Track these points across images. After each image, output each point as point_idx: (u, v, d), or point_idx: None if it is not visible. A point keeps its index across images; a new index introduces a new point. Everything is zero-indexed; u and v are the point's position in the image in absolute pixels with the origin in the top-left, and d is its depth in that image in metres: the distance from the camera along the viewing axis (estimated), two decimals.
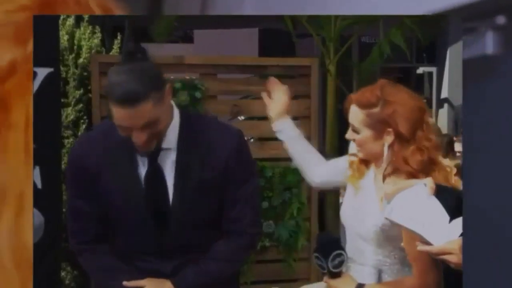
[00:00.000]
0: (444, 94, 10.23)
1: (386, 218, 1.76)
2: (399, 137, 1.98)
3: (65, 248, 3.81)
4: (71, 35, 4.24)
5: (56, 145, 3.13)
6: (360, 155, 2.09)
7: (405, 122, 1.96)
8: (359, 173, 2.11)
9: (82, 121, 4.11)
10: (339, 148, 4.69)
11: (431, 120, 2.08)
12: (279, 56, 4.16)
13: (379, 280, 2.03)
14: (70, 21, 4.28)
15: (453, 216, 1.66)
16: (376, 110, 1.98)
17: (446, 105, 10.11)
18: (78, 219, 2.05)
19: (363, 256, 2.05)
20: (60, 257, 3.26)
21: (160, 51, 4.63)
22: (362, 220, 2.03)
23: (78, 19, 4.35)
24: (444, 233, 1.63)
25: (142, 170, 1.97)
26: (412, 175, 1.94)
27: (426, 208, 1.67)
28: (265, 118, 4.07)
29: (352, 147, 2.18)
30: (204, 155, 1.99)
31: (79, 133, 4.09)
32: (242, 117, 3.95)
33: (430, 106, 10.53)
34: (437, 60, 10.43)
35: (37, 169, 2.86)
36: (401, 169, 1.96)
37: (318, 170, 2.36)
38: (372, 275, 2.03)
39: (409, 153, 1.96)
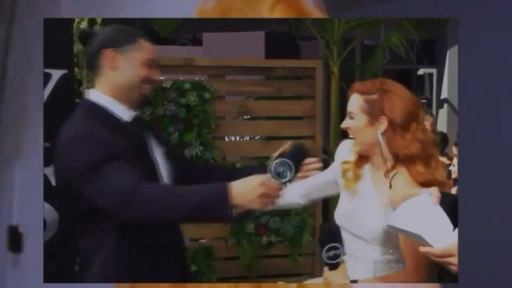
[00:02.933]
0: (444, 94, 10.20)
1: (389, 226, 1.75)
2: (392, 125, 1.99)
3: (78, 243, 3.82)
4: None
5: None
6: (356, 147, 2.07)
7: (399, 111, 1.98)
8: (355, 177, 2.09)
9: None
10: None
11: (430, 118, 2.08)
12: (285, 58, 4.14)
13: (375, 274, 2.01)
14: (84, 24, 4.27)
15: (456, 224, 1.64)
16: (374, 96, 2.01)
17: (445, 105, 10.08)
18: (120, 175, 1.90)
19: (361, 252, 2.04)
20: (73, 253, 3.24)
21: (170, 53, 4.62)
22: (362, 222, 2.01)
23: (92, 22, 4.34)
24: (447, 242, 1.61)
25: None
26: (412, 161, 1.93)
27: (430, 216, 1.65)
28: (270, 118, 4.10)
29: (340, 155, 2.17)
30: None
31: None
32: (248, 116, 3.94)
33: (430, 106, 10.49)
34: (437, 61, 10.39)
35: (51, 167, 2.84)
36: (400, 153, 1.96)
37: (298, 191, 2.34)
38: (369, 269, 2.01)
39: (406, 141, 1.96)
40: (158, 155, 2.12)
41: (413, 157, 1.96)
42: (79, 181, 1.90)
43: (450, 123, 9.51)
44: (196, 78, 3.76)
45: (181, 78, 3.68)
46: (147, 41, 2.10)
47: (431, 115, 8.39)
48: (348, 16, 4.44)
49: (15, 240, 2.40)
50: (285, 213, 3.78)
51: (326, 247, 1.95)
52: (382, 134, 2.00)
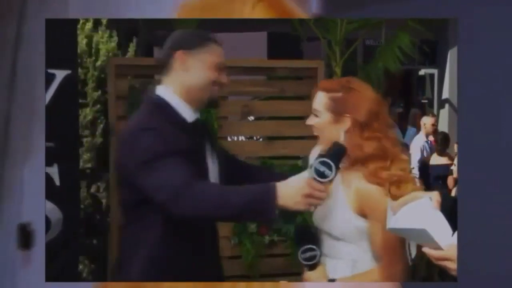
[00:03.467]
0: (445, 95, 10.19)
1: (391, 229, 1.75)
2: (355, 124, 1.98)
3: (82, 242, 3.83)
4: (90, 39, 4.24)
5: (74, 144, 3.12)
6: (319, 144, 2.08)
7: (363, 110, 1.98)
8: None
9: (99, 121, 4.11)
10: None
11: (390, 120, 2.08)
12: (287, 59, 4.14)
13: (353, 273, 2.02)
14: (89, 25, 4.28)
15: (456, 228, 1.65)
16: (339, 94, 2.01)
17: (447, 105, 10.07)
18: (176, 171, 1.92)
19: (338, 252, 2.03)
20: (78, 251, 3.25)
21: None
22: (335, 221, 2.00)
23: (96, 24, 4.34)
24: (446, 245, 1.62)
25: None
26: (365, 162, 1.94)
27: (430, 220, 1.65)
28: (273, 118, 4.10)
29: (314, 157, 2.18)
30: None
31: (97, 133, 4.10)
32: (252, 117, 3.93)
33: (432, 107, 10.49)
34: (438, 62, 10.38)
35: (55, 166, 2.85)
36: (354, 155, 1.96)
37: None
38: (348, 268, 2.01)
39: (363, 139, 1.97)
40: (209, 157, 2.15)
41: (368, 157, 1.95)
42: (138, 170, 1.94)
43: (451, 123, 9.49)
44: None
45: None
46: (218, 45, 2.14)
47: (433, 115, 8.38)
48: (348, 17, 4.43)
49: (25, 238, 2.42)
50: (286, 213, 3.78)
51: (302, 248, 1.96)
52: (345, 132, 2.00)
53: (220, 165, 2.19)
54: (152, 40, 5.75)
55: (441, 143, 6.83)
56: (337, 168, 1.82)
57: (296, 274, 3.75)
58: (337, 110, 2.00)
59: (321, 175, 1.81)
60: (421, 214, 1.68)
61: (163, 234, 2.02)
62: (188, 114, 2.09)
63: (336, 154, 1.85)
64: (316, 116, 2.05)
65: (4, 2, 2.42)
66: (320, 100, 2.04)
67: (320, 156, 1.84)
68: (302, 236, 2.03)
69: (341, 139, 1.98)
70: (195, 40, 2.09)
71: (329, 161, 1.81)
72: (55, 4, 2.38)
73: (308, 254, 1.97)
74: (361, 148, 1.96)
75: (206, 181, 1.97)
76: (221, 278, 2.26)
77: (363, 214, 1.95)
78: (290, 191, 1.83)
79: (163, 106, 2.07)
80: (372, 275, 1.98)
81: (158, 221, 1.99)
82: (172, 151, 1.93)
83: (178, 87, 2.08)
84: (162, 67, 2.11)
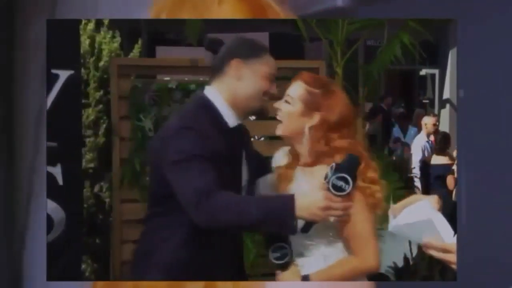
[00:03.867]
0: (446, 95, 10.20)
1: (393, 231, 1.75)
2: (324, 123, 2.01)
3: (85, 241, 3.83)
4: (92, 39, 4.24)
5: (77, 144, 3.12)
6: (280, 130, 2.10)
7: (337, 112, 2.01)
8: (288, 179, 2.10)
9: (102, 120, 4.11)
10: None
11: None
12: (289, 59, 4.14)
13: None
14: (91, 26, 4.28)
15: (456, 230, 1.65)
16: (317, 91, 2.04)
17: (448, 106, 10.07)
18: (202, 177, 1.95)
19: (308, 250, 2.04)
20: (80, 251, 3.25)
21: (176, 54, 4.61)
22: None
23: (98, 24, 4.35)
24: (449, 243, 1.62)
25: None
26: (332, 156, 1.95)
27: (431, 221, 1.65)
28: (275, 118, 4.09)
29: (276, 160, 2.18)
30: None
31: (100, 133, 4.10)
32: (253, 117, 3.93)
33: (433, 107, 10.49)
34: (439, 62, 10.38)
35: (59, 166, 2.85)
36: (319, 149, 1.99)
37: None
38: (319, 265, 2.01)
39: (331, 141, 2.00)
40: (244, 161, 2.18)
41: (336, 151, 1.97)
42: (169, 167, 1.98)
43: (452, 123, 9.49)
44: (201, 79, 3.76)
45: (186, 79, 3.67)
46: (271, 56, 2.17)
47: (434, 115, 8.38)
48: (352, 17, 4.43)
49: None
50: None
51: (272, 247, 1.96)
52: (309, 127, 2.02)
53: (251, 167, 2.21)
54: (154, 40, 5.74)
55: (439, 142, 6.83)
56: (354, 180, 1.83)
57: None
58: (310, 105, 2.03)
59: (339, 189, 1.83)
60: (422, 214, 1.68)
61: (187, 231, 2.03)
62: (232, 119, 2.11)
63: (351, 166, 1.86)
64: (287, 102, 2.07)
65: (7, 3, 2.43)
66: (297, 89, 2.07)
67: (336, 170, 1.83)
68: (270, 237, 2.04)
69: (305, 132, 2.02)
70: (252, 50, 2.13)
71: (346, 175, 1.82)
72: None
73: (279, 253, 1.98)
74: (329, 143, 1.99)
75: (227, 192, 1.96)
76: (243, 277, 2.29)
77: None
78: (308, 203, 1.85)
79: (208, 108, 2.09)
80: (345, 262, 1.98)
81: (182, 218, 1.99)
82: (207, 155, 1.96)
83: (227, 92, 2.11)
84: (215, 71, 2.14)
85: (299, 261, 2.04)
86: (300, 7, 2.30)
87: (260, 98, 2.12)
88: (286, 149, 2.19)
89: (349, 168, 1.84)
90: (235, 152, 2.13)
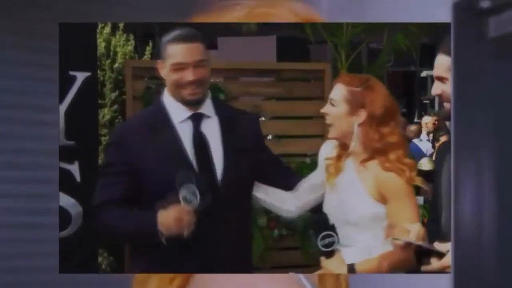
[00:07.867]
0: None
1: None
2: (370, 120, 2.02)
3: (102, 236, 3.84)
4: (108, 42, 4.26)
5: (94, 142, 3.13)
6: (331, 133, 2.09)
7: (380, 106, 2.02)
8: (336, 171, 2.09)
9: (117, 120, 4.12)
10: None
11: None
12: (295, 61, 4.14)
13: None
14: (107, 29, 4.30)
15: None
16: (358, 89, 2.04)
17: None
18: (111, 180, 2.08)
19: (354, 240, 2.02)
20: (97, 244, 3.27)
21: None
22: (351, 209, 2.01)
23: (114, 28, 4.37)
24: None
25: (185, 136, 2.07)
26: (385, 151, 1.99)
27: None
28: (282, 117, 4.10)
29: (323, 154, 2.17)
30: (243, 127, 2.15)
31: None
32: (263, 118, 3.93)
33: (433, 107, 10.45)
34: None
35: (76, 164, 2.87)
36: (372, 146, 2.01)
37: (289, 199, 2.29)
38: (363, 256, 2.00)
39: (380, 132, 2.00)
40: (217, 151, 2.10)
41: (389, 147, 2.00)
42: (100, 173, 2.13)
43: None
44: (212, 80, 3.76)
45: None
46: (187, 43, 2.10)
47: (434, 114, 8.35)
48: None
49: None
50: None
51: (321, 235, 1.95)
52: (358, 125, 2.02)
53: (229, 154, 2.12)
54: None
55: (435, 130, 6.89)
56: (201, 195, 1.92)
57: (302, 267, 3.77)
58: (355, 103, 2.03)
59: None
60: None
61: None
62: (182, 113, 2.10)
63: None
64: (333, 105, 2.07)
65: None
66: (339, 91, 2.06)
67: (185, 185, 1.92)
68: (319, 224, 2.00)
69: (354, 131, 2.02)
70: (163, 48, 2.10)
71: (195, 190, 1.92)
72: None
73: (327, 241, 1.95)
74: (382, 138, 2.00)
75: (116, 208, 2.04)
76: (250, 269, 2.26)
77: (382, 200, 1.98)
78: (165, 217, 1.92)
79: (158, 107, 2.14)
80: (391, 255, 1.95)
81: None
82: (123, 168, 2.04)
83: (167, 90, 2.15)
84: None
85: (345, 251, 2.01)
86: None
87: (180, 87, 2.06)
88: (330, 143, 2.19)
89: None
90: (195, 144, 2.06)
